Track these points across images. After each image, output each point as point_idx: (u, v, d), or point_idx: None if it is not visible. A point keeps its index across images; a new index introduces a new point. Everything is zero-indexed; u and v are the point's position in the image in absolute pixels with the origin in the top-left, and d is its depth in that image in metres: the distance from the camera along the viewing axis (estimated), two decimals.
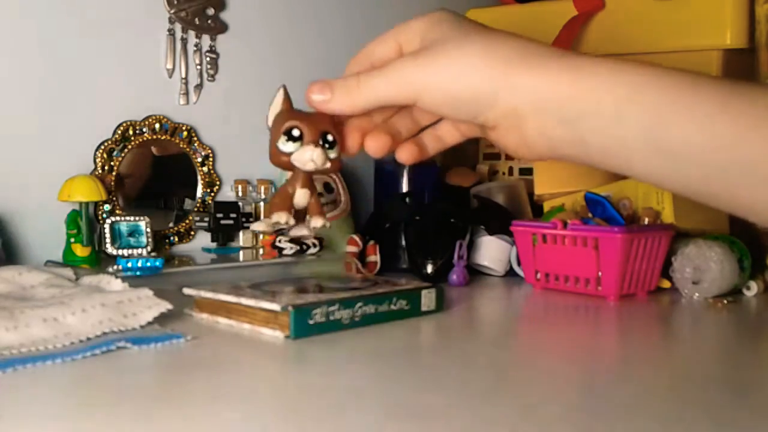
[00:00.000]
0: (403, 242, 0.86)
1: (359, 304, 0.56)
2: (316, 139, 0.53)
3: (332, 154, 0.53)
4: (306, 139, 0.53)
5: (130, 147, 0.86)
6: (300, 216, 0.54)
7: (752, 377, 0.48)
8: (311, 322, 0.52)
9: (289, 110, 0.54)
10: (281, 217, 0.52)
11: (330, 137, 0.53)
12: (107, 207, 0.84)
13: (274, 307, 0.52)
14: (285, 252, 0.86)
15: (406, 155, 0.50)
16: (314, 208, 0.55)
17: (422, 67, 0.44)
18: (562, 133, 0.43)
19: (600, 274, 0.74)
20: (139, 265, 0.76)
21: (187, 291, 0.59)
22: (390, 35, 0.49)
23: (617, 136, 0.41)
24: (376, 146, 0.49)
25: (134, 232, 0.82)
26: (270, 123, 0.54)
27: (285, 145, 0.52)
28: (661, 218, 0.80)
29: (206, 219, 0.90)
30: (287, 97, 0.55)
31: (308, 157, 0.52)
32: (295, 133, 0.52)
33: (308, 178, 0.55)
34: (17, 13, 0.79)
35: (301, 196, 0.54)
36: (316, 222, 0.53)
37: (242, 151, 0.97)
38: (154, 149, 0.90)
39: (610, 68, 0.42)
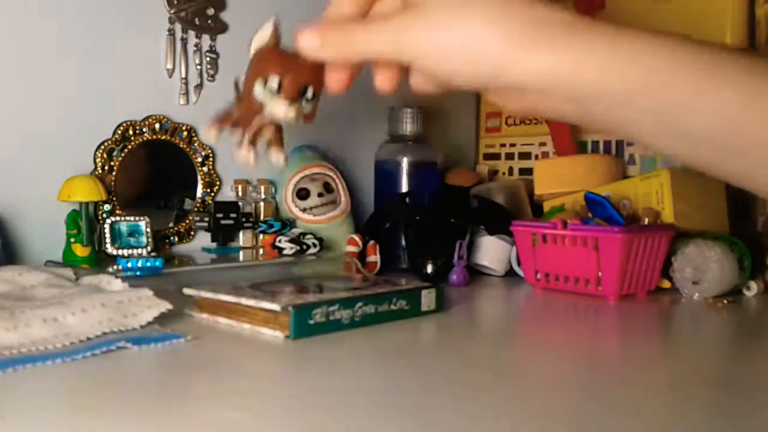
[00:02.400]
0: (403, 242, 0.86)
1: (359, 304, 0.56)
2: (294, 95, 0.49)
3: (307, 109, 0.50)
4: (284, 93, 0.49)
5: (130, 147, 0.86)
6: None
7: (753, 377, 0.48)
8: (311, 322, 0.52)
9: (272, 50, 0.50)
10: (248, 159, 0.50)
11: (309, 92, 0.50)
12: (107, 207, 0.84)
13: (274, 307, 0.52)
14: (285, 252, 0.86)
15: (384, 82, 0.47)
16: (275, 140, 0.53)
17: (430, 30, 0.39)
18: (570, 109, 0.41)
19: (600, 274, 0.74)
20: (139, 264, 0.76)
21: (187, 291, 0.59)
22: None
23: (628, 117, 0.39)
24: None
25: (134, 232, 0.82)
26: (251, 54, 0.51)
27: (259, 92, 0.49)
28: (661, 218, 0.80)
29: (206, 219, 0.90)
30: (276, 33, 0.51)
31: (281, 113, 0.49)
32: (273, 84, 0.49)
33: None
34: (17, 13, 0.79)
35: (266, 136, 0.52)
36: (276, 156, 0.52)
37: None
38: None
39: (626, 50, 0.38)
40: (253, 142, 0.51)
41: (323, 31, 0.42)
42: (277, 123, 0.51)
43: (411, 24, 0.39)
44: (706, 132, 0.38)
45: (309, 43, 0.42)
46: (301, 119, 0.49)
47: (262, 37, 0.50)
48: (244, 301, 0.54)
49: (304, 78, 0.48)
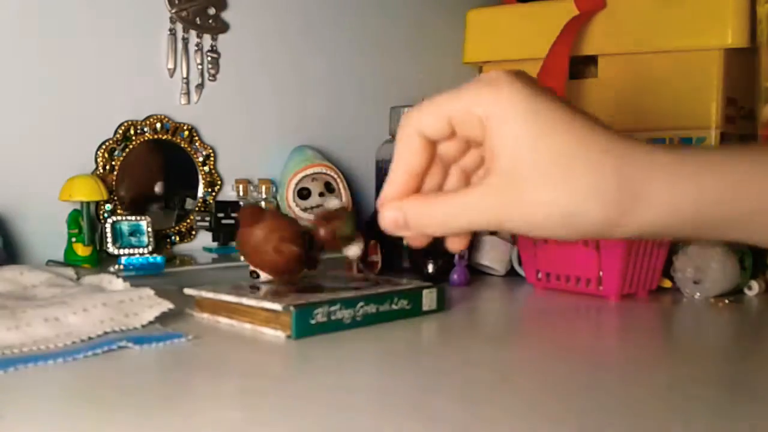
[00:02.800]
0: (404, 242, 0.86)
1: (360, 304, 0.56)
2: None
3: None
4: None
5: (131, 147, 0.86)
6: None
7: (753, 377, 0.48)
8: (313, 322, 0.52)
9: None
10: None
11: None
12: (108, 207, 0.84)
13: (276, 306, 0.52)
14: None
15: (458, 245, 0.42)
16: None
17: (529, 207, 0.36)
18: (678, 233, 0.40)
19: (601, 273, 0.74)
20: (140, 261, 0.76)
21: (188, 291, 0.59)
22: (442, 114, 0.38)
23: (743, 236, 0.39)
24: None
25: (135, 231, 0.82)
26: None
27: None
28: None
29: (207, 218, 0.90)
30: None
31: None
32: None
33: None
34: (18, 13, 0.79)
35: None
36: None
37: (243, 150, 0.97)
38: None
39: (738, 173, 0.38)
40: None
41: (407, 209, 0.39)
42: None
43: (509, 202, 0.36)
44: None
45: (394, 223, 0.39)
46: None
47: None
48: (245, 300, 0.54)
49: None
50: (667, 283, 0.78)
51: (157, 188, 0.91)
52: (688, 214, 0.37)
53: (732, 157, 0.39)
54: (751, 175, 0.37)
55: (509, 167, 0.35)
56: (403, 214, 0.39)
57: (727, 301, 0.72)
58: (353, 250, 0.63)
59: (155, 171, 0.91)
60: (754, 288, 0.76)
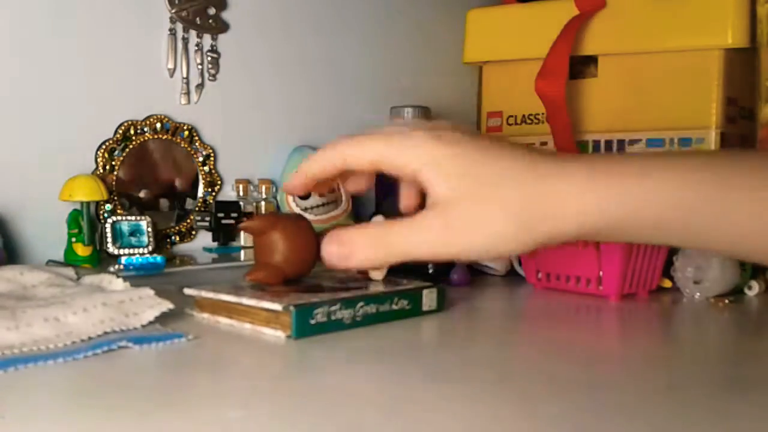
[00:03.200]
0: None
1: (360, 304, 0.56)
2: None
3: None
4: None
5: (131, 147, 0.87)
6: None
7: (754, 377, 0.48)
8: (313, 321, 0.52)
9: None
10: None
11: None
12: (108, 207, 0.84)
13: (276, 306, 0.52)
14: None
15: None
16: None
17: (453, 244, 0.42)
18: (602, 238, 0.44)
19: (601, 273, 0.74)
20: (141, 261, 0.76)
21: (188, 291, 0.59)
22: (368, 157, 0.44)
23: (657, 236, 0.42)
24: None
25: (135, 231, 0.82)
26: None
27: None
28: None
29: (207, 218, 0.90)
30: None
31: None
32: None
33: None
34: (18, 13, 0.79)
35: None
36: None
37: (243, 150, 0.97)
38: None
39: (646, 187, 0.41)
40: None
41: (353, 239, 0.43)
42: None
43: (442, 235, 0.42)
44: (733, 247, 0.41)
45: (337, 257, 0.44)
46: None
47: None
48: (245, 300, 0.54)
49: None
50: (667, 283, 0.78)
51: (143, 194, 0.92)
52: (611, 219, 0.40)
53: (658, 162, 0.42)
54: (670, 181, 0.41)
55: (441, 204, 0.41)
56: (349, 249, 0.43)
57: (727, 301, 0.73)
58: (377, 275, 0.63)
59: (155, 171, 0.91)
60: (754, 288, 0.76)
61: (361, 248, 0.43)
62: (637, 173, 0.41)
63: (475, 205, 0.41)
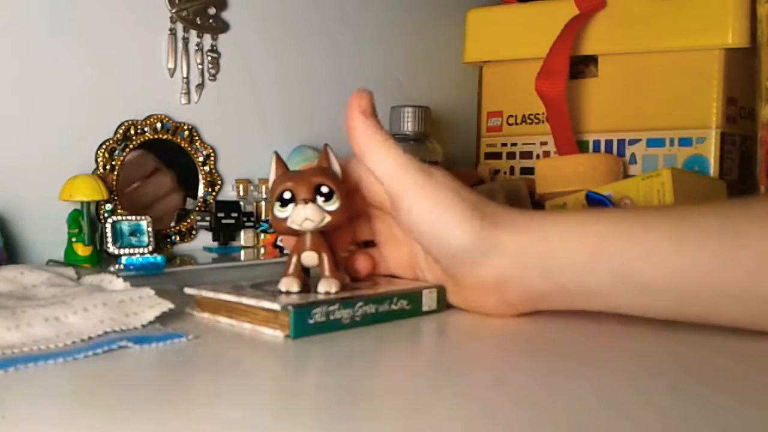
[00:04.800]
0: None
1: (359, 304, 0.56)
2: (308, 195, 0.51)
3: (330, 206, 0.52)
4: (297, 198, 0.51)
5: (131, 146, 0.87)
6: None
7: (754, 377, 0.48)
8: (311, 321, 0.52)
9: (282, 175, 0.52)
10: (291, 285, 0.52)
11: (325, 188, 0.51)
12: (109, 206, 0.84)
13: (274, 306, 0.52)
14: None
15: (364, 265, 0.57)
16: (324, 269, 0.55)
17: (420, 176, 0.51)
18: (545, 287, 0.47)
19: None
20: (141, 261, 0.76)
21: (188, 290, 0.59)
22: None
23: (593, 281, 0.44)
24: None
25: (136, 231, 0.82)
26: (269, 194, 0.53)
27: (280, 212, 0.51)
28: None
29: (207, 218, 0.90)
30: (280, 162, 0.53)
31: (302, 216, 0.51)
32: (286, 195, 0.51)
33: (315, 239, 0.54)
34: (18, 13, 0.79)
35: (309, 258, 0.54)
36: (323, 286, 0.53)
37: (243, 150, 0.97)
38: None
39: (575, 221, 0.45)
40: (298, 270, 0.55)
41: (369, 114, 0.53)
42: (314, 235, 0.54)
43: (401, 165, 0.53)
44: (659, 282, 0.43)
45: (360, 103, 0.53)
46: (327, 216, 0.52)
47: (272, 173, 0.54)
48: (244, 300, 0.54)
49: (316, 179, 0.51)
50: None
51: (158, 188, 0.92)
52: (534, 264, 0.46)
53: (576, 214, 0.46)
54: (587, 225, 0.44)
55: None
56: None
57: None
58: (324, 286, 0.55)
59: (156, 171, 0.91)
60: None
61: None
62: (571, 215, 0.48)
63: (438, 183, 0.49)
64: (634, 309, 0.46)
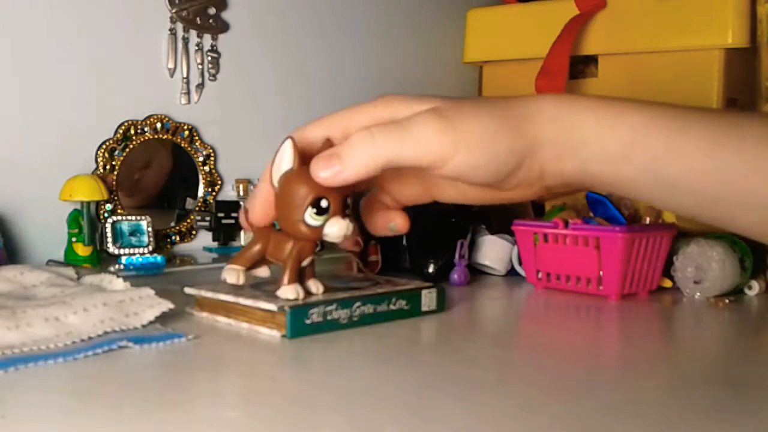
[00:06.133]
0: (405, 242, 0.86)
1: (357, 304, 0.56)
2: (341, 209, 0.50)
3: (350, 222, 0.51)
4: (332, 209, 0.50)
5: (131, 146, 0.87)
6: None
7: (754, 376, 0.48)
8: (308, 321, 0.52)
9: (302, 171, 0.48)
10: (298, 293, 0.53)
11: (349, 200, 0.51)
12: (109, 206, 0.84)
13: (271, 306, 0.52)
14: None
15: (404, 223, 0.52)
16: (309, 273, 0.55)
17: (452, 126, 0.43)
18: (582, 176, 0.46)
19: (601, 273, 0.74)
20: (141, 261, 0.76)
21: (188, 290, 0.59)
22: (368, 108, 0.47)
23: (624, 173, 0.43)
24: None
25: (136, 231, 0.82)
26: (277, 182, 0.50)
27: (314, 219, 0.49)
28: (662, 217, 0.80)
29: (207, 218, 0.90)
30: (296, 152, 0.49)
31: (342, 232, 0.49)
32: (324, 204, 0.49)
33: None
34: (17, 13, 0.79)
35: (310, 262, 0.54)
36: (312, 287, 0.55)
37: (243, 150, 0.97)
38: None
39: (611, 113, 0.43)
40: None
41: (339, 154, 0.44)
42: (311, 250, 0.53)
43: (433, 121, 0.43)
44: (685, 182, 0.43)
45: (328, 173, 0.45)
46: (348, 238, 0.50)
47: (285, 161, 0.50)
48: (242, 300, 0.54)
49: (343, 190, 0.49)
50: (668, 283, 0.78)
51: (158, 188, 0.91)
52: (570, 155, 0.43)
53: (616, 103, 0.44)
54: (623, 117, 0.43)
55: (434, 108, 0.44)
56: (337, 154, 0.45)
57: (727, 301, 0.73)
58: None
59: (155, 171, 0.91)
60: (755, 288, 0.76)
61: (350, 156, 0.44)
62: (607, 103, 0.44)
63: (465, 108, 0.44)
64: (655, 201, 0.46)
